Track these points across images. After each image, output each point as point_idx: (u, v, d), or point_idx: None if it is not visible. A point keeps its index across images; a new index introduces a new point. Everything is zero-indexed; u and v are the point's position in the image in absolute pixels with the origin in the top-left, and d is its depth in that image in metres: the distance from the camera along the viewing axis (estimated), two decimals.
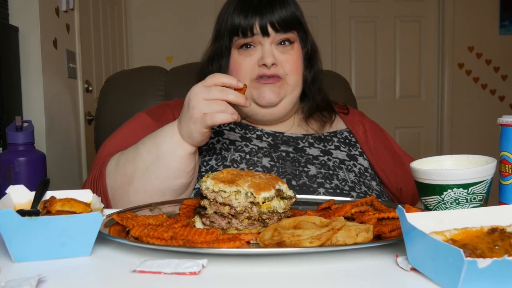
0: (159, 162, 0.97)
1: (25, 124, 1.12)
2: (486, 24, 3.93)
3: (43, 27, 1.95)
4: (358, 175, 1.14)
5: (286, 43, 1.15)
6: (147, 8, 3.72)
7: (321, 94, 1.24)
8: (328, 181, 1.09)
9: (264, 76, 1.13)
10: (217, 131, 1.18)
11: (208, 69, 1.20)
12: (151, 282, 0.54)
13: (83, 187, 1.08)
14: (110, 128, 1.53)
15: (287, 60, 1.14)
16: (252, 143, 1.16)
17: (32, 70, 1.91)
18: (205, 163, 1.11)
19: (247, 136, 1.18)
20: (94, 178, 1.05)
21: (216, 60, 1.19)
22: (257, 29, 1.11)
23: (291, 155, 1.15)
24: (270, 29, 1.12)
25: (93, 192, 1.01)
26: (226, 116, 0.90)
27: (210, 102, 0.91)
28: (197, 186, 1.07)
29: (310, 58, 1.22)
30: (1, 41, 1.72)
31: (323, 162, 1.14)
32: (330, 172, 1.12)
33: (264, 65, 1.12)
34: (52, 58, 2.05)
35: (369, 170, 1.18)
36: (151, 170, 0.97)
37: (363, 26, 3.94)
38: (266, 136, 1.18)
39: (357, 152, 1.20)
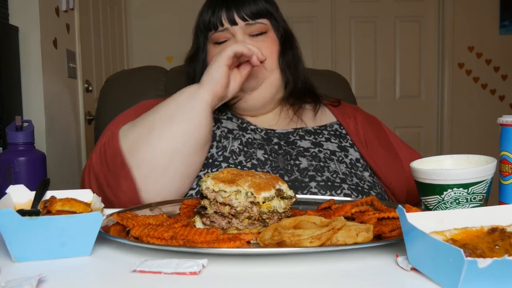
0: (179, 109, 1.01)
1: (25, 124, 1.12)
2: (486, 24, 3.93)
3: (43, 27, 1.95)
4: (350, 166, 1.15)
5: (259, 35, 1.19)
6: (147, 8, 3.72)
7: (300, 80, 1.27)
8: (319, 174, 1.10)
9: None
10: (215, 119, 1.20)
11: (190, 68, 1.27)
12: (151, 282, 0.54)
13: (90, 157, 1.08)
14: None
15: (261, 46, 1.16)
16: (248, 132, 1.18)
17: (32, 70, 1.91)
18: None
19: (244, 126, 1.20)
20: (104, 142, 1.05)
21: (196, 58, 1.25)
22: (225, 19, 1.17)
23: (283, 147, 1.16)
24: (237, 19, 1.16)
25: (102, 158, 1.02)
26: (243, 47, 1.02)
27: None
28: (196, 186, 1.07)
29: (284, 44, 1.24)
30: (1, 41, 1.72)
31: (314, 154, 1.15)
32: (321, 164, 1.13)
33: None
34: (52, 58, 2.05)
35: (361, 161, 1.18)
36: (172, 117, 1.01)
37: (363, 26, 3.94)
38: (260, 130, 1.21)
39: (348, 144, 1.21)
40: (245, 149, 1.13)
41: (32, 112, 1.92)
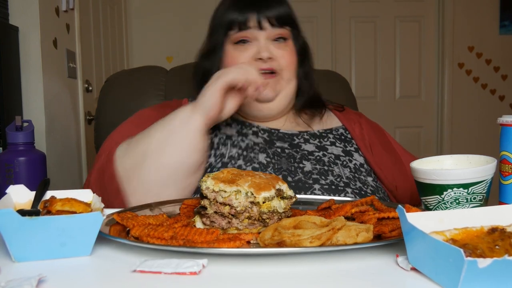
0: (172, 137, 0.99)
1: (25, 124, 1.12)
2: (486, 24, 3.93)
3: (43, 27, 1.95)
4: (353, 170, 1.14)
5: (281, 39, 1.17)
6: (147, 8, 3.72)
7: (312, 90, 1.26)
8: (323, 177, 1.09)
9: (261, 71, 1.13)
10: (213, 126, 1.16)
11: (202, 65, 1.24)
12: (151, 282, 0.54)
13: (89, 177, 1.09)
14: (110, 128, 1.52)
15: (282, 55, 1.16)
16: (248, 137, 1.17)
17: (32, 70, 1.91)
18: None
19: (243, 131, 1.19)
20: (101, 165, 1.05)
21: (211, 56, 1.21)
22: (254, 22, 1.14)
23: (287, 151, 1.15)
24: (265, 23, 1.14)
25: (101, 177, 1.02)
26: (243, 75, 0.99)
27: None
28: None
29: (302, 55, 1.24)
30: (1, 41, 1.72)
31: (318, 157, 1.14)
32: (325, 168, 1.12)
33: (261, 59, 1.14)
34: (52, 58, 2.05)
35: (365, 166, 1.18)
36: (164, 145, 0.99)
37: (363, 26, 3.94)
38: (262, 132, 1.19)
39: (352, 148, 1.20)
40: (245, 153, 1.12)
41: (32, 112, 1.92)
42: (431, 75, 4.00)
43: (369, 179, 1.15)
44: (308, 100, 1.26)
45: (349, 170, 1.14)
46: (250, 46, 1.15)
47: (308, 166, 1.12)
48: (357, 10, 3.91)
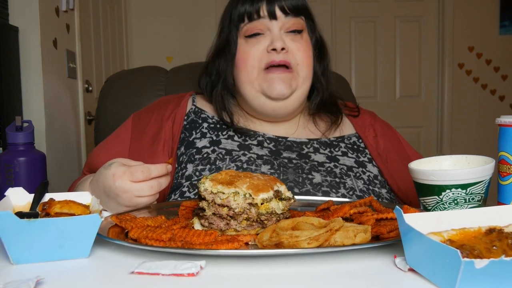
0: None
1: (25, 124, 1.12)
2: (486, 24, 3.92)
3: (43, 27, 1.95)
4: (367, 182, 1.09)
5: (296, 32, 1.10)
6: (147, 8, 3.72)
7: (328, 90, 1.18)
8: (334, 190, 1.04)
9: (273, 65, 1.07)
10: (213, 141, 1.12)
11: (213, 65, 1.17)
12: (149, 283, 0.54)
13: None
14: (110, 128, 1.53)
15: (297, 48, 1.09)
16: (251, 151, 1.10)
17: (32, 70, 1.91)
18: (197, 173, 1.06)
19: (246, 143, 1.12)
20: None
21: (222, 54, 1.15)
22: (264, 12, 1.08)
23: (294, 161, 1.09)
24: (278, 12, 1.08)
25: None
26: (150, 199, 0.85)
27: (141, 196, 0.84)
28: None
29: (320, 50, 1.16)
30: (1, 41, 1.72)
31: (329, 169, 1.08)
32: (337, 180, 1.07)
33: (274, 50, 1.06)
34: (52, 58, 2.05)
35: (379, 178, 1.13)
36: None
37: (363, 26, 3.93)
38: (268, 141, 1.13)
39: (366, 159, 1.14)
40: (245, 165, 1.06)
41: (32, 112, 1.93)
42: (431, 75, 4.00)
43: (383, 191, 1.11)
44: (323, 103, 1.18)
45: (362, 182, 1.08)
46: (263, 38, 1.08)
47: (317, 177, 1.06)
48: (357, 10, 3.91)
